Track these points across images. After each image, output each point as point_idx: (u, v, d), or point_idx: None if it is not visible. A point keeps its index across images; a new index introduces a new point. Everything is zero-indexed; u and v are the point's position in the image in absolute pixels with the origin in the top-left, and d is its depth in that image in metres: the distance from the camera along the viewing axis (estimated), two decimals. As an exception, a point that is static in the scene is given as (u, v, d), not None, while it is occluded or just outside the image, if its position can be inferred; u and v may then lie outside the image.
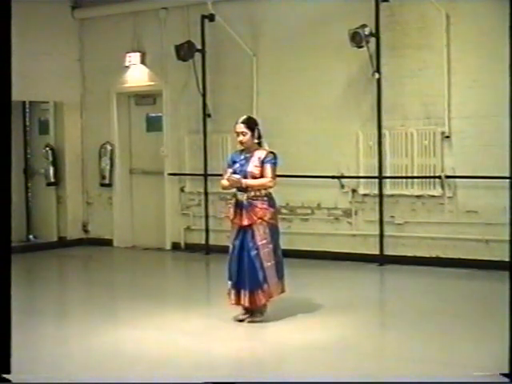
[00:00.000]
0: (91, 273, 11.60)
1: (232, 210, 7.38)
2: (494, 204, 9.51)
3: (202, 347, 6.78)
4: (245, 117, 7.52)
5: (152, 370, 6.03)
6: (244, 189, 7.32)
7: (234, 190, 7.45)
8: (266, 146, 7.49)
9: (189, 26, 12.02)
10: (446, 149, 10.15)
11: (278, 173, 7.45)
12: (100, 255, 12.66)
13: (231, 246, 7.46)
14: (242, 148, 7.47)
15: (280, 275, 7.46)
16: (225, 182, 7.51)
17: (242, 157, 7.45)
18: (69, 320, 8.18)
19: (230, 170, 7.43)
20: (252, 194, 7.32)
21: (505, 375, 5.23)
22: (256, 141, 7.42)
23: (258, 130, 7.44)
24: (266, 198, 7.36)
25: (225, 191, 7.86)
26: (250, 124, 7.42)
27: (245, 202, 7.32)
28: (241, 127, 7.39)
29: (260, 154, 7.39)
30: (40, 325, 7.70)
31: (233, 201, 7.42)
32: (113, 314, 8.28)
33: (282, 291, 7.51)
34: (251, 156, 7.39)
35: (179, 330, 7.33)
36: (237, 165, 7.42)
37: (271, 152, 7.42)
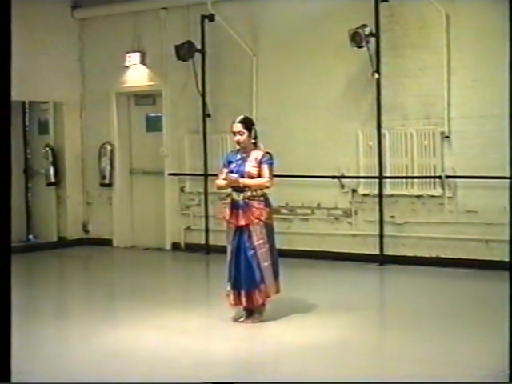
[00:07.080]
0: (91, 273, 11.60)
1: (228, 211, 7.39)
2: (494, 204, 9.50)
3: (202, 347, 6.79)
4: (242, 116, 7.53)
5: (152, 369, 6.03)
6: (241, 189, 7.31)
7: (229, 189, 7.45)
8: (261, 146, 7.50)
9: (189, 26, 12.02)
10: (446, 149, 10.15)
11: (277, 173, 7.45)
12: (100, 255, 12.66)
13: (229, 247, 7.46)
14: (238, 148, 7.47)
15: (276, 275, 7.46)
16: (220, 182, 7.52)
17: (239, 157, 7.44)
18: (69, 320, 8.19)
19: (226, 170, 7.43)
20: (248, 193, 7.32)
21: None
22: (252, 141, 7.43)
23: (255, 130, 7.45)
24: (262, 198, 7.36)
25: (224, 191, 7.86)
26: (247, 124, 7.43)
27: (241, 202, 7.31)
28: (238, 127, 7.39)
29: (256, 154, 7.39)
30: (40, 325, 7.72)
31: (228, 201, 7.43)
32: (112, 314, 8.29)
33: (278, 291, 7.51)
34: (248, 156, 7.39)
35: (179, 330, 7.33)
36: (233, 165, 7.41)
37: (267, 152, 7.43)
